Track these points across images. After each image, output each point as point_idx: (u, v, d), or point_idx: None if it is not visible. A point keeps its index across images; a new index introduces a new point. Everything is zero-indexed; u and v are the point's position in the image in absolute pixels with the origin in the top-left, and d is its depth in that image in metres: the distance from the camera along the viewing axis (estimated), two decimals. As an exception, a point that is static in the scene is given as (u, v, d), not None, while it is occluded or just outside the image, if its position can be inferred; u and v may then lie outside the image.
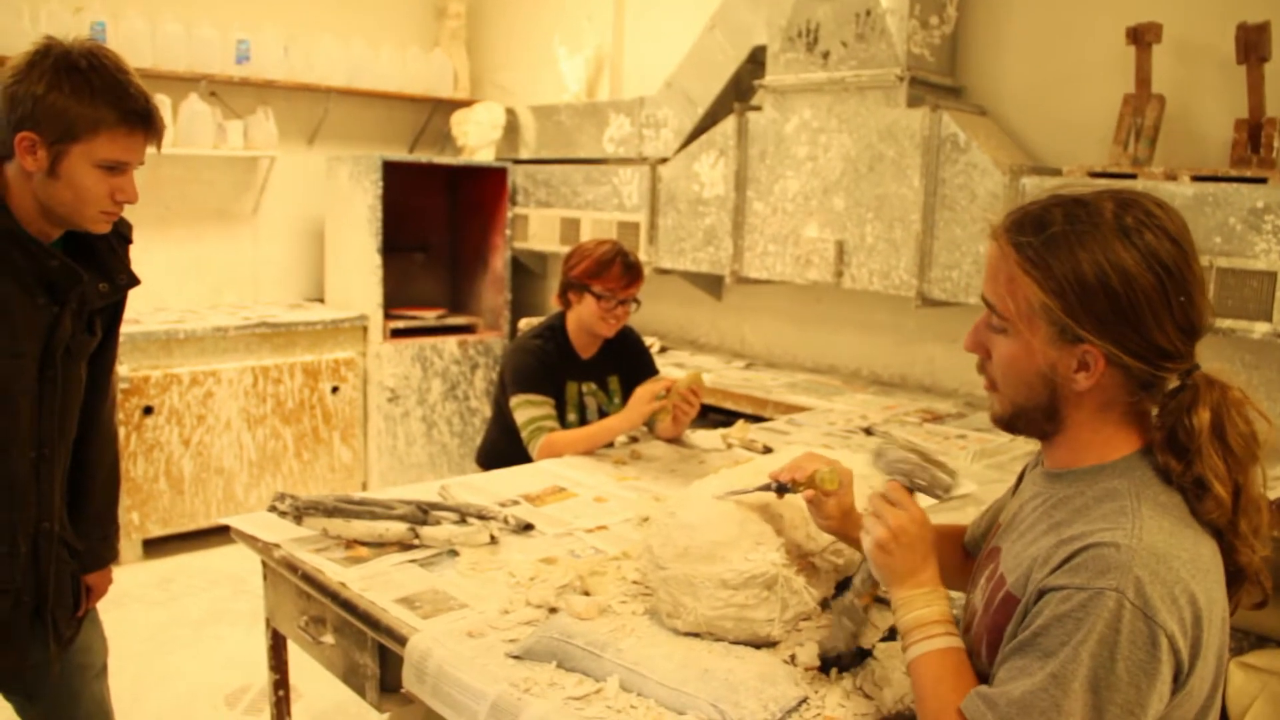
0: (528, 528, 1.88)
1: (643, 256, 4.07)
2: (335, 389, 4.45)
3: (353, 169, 4.57)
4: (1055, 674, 0.96)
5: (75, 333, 1.60)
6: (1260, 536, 1.07)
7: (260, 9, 4.72)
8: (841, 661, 1.36)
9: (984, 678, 1.09)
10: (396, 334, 4.65)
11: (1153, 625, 0.95)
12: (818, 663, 1.35)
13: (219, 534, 3.93)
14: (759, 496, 1.47)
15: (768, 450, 2.55)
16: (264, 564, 1.85)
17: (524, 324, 3.62)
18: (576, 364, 2.72)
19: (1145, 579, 0.96)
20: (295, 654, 1.88)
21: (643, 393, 2.47)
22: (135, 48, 4.15)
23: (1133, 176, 2.78)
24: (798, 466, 1.40)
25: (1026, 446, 2.63)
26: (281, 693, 1.94)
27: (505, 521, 1.86)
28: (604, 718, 1.23)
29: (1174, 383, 1.08)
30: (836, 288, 3.50)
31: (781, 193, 3.61)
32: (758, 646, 1.40)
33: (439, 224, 5.24)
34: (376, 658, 1.58)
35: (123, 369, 3.79)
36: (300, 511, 1.77)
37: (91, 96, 1.45)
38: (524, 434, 2.54)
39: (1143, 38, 2.84)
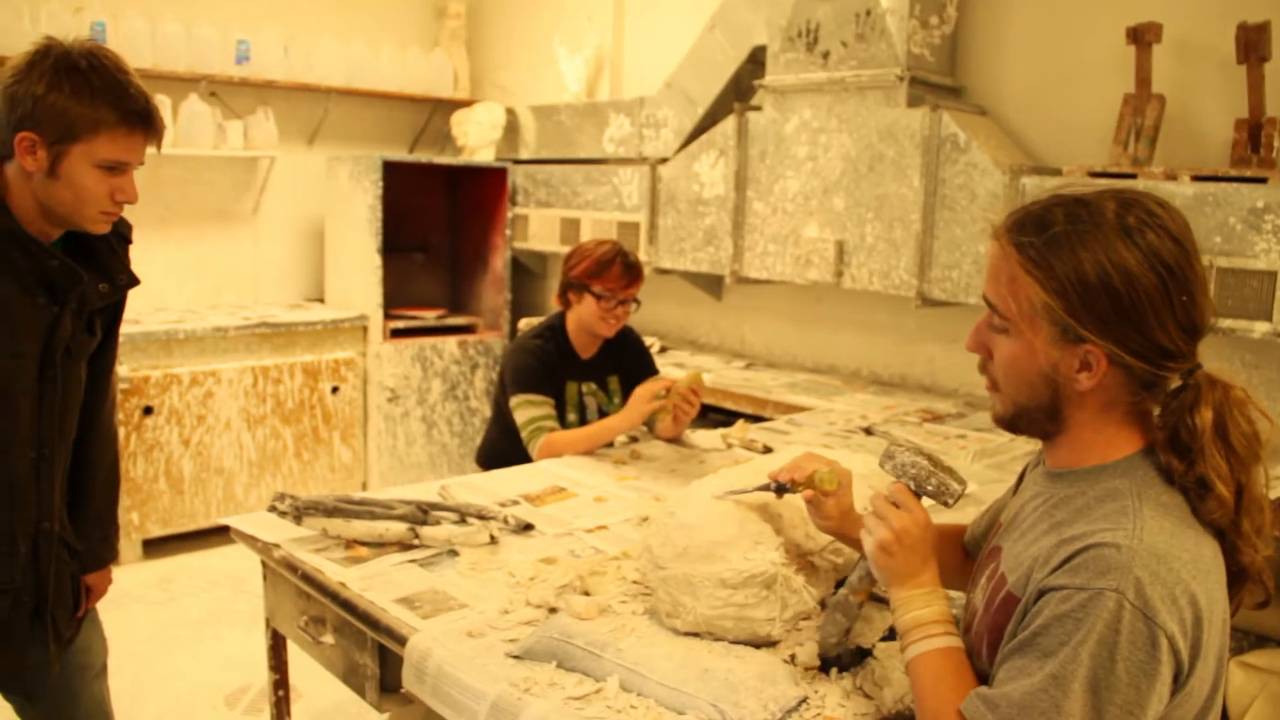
0: (527, 528, 1.88)
1: (643, 256, 4.07)
2: (335, 389, 4.45)
3: (353, 169, 4.57)
4: (1055, 674, 0.96)
5: (75, 333, 1.60)
6: (1263, 536, 1.07)
7: (260, 9, 4.72)
8: (841, 661, 1.36)
9: (984, 677, 1.09)
10: (396, 334, 4.65)
11: (1152, 626, 0.95)
12: (817, 662, 1.36)
13: (219, 534, 3.92)
14: (758, 496, 1.47)
15: (767, 450, 2.54)
16: (264, 564, 1.85)
17: (524, 324, 3.62)
18: (576, 364, 2.72)
19: (1145, 580, 0.95)
20: (295, 654, 1.88)
21: (642, 392, 2.47)
22: (135, 48, 4.15)
23: (1133, 176, 2.78)
24: (797, 466, 1.40)
25: (1026, 446, 2.63)
26: (281, 693, 1.93)
27: (505, 521, 1.86)
28: (604, 717, 1.23)
29: (1176, 382, 1.08)
30: (836, 288, 3.50)
31: (781, 193, 3.61)
32: (757, 646, 1.40)
33: (439, 224, 5.24)
34: (376, 658, 1.58)
35: (123, 369, 3.79)
36: (300, 511, 1.77)
37: (91, 97, 1.45)
38: (524, 434, 2.54)
39: (1143, 37, 2.84)
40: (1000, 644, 1.06)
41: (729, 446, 2.62)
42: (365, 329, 4.56)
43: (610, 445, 2.56)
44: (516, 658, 1.37)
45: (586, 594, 1.56)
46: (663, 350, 4.35)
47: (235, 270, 4.85)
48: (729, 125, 3.74)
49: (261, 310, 4.58)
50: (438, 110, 5.28)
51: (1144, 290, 1.02)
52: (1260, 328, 2.52)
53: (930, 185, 3.17)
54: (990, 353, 1.15)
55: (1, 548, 1.55)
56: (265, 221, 4.91)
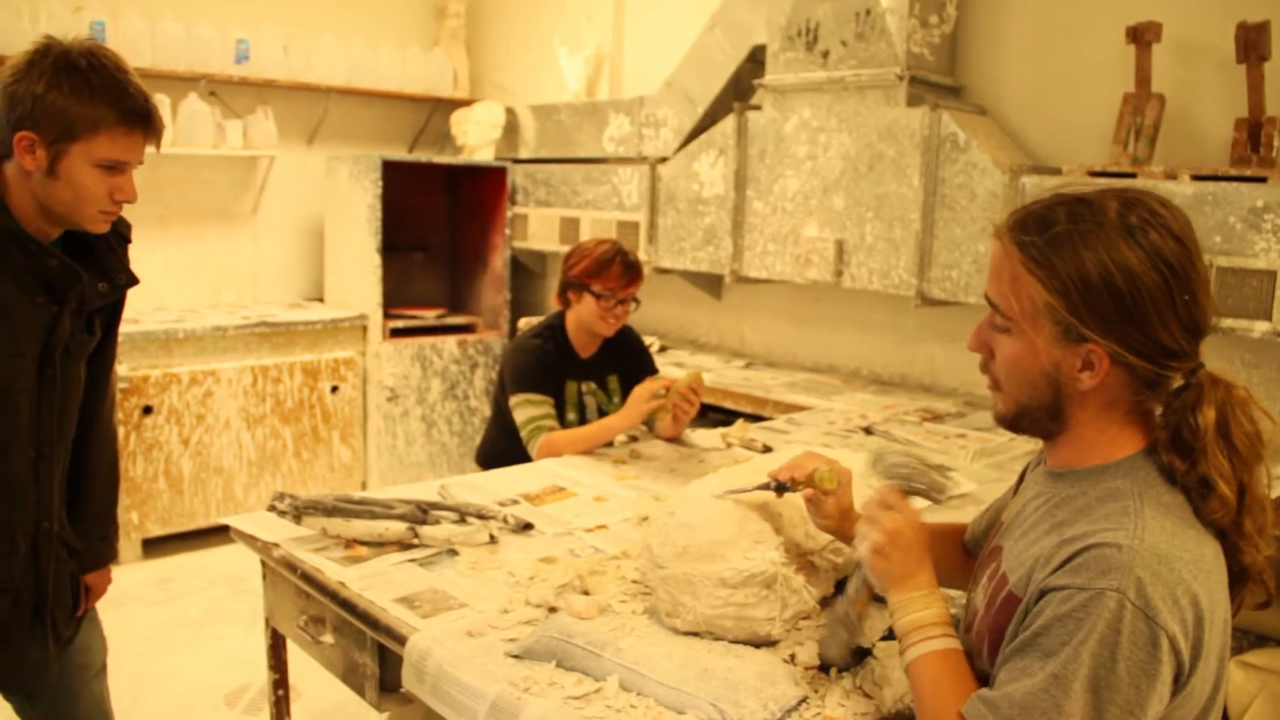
0: (527, 527, 1.88)
1: (642, 256, 4.06)
2: (335, 388, 4.44)
3: (352, 168, 4.56)
4: (1056, 674, 0.96)
5: (74, 332, 1.60)
6: (1264, 536, 1.06)
7: (260, 8, 4.72)
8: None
9: (985, 677, 1.08)
10: (396, 333, 4.65)
11: (1154, 626, 0.94)
12: (817, 662, 1.35)
13: (218, 533, 3.92)
14: (758, 495, 1.46)
15: (767, 449, 2.54)
16: (263, 563, 1.85)
17: (523, 323, 3.62)
18: (576, 363, 2.72)
19: (1147, 580, 0.95)
20: (295, 653, 1.88)
21: (641, 391, 2.47)
22: (135, 47, 4.15)
23: (1132, 176, 2.78)
24: (797, 465, 1.40)
25: (1026, 446, 2.63)
26: (281, 692, 1.93)
27: (505, 521, 1.86)
28: (604, 717, 1.23)
29: (1178, 382, 1.08)
30: (836, 287, 3.50)
31: (781, 192, 3.61)
32: (757, 645, 1.40)
33: (438, 223, 5.24)
34: (376, 657, 1.58)
35: (122, 368, 3.79)
36: (299, 511, 1.77)
37: (91, 96, 1.45)
38: (523, 433, 2.54)
39: (1142, 37, 2.84)
40: (1001, 644, 1.06)
41: (729, 446, 2.62)
42: (365, 328, 4.56)
43: (610, 445, 2.56)
44: (516, 657, 1.37)
45: (586, 593, 1.56)
46: (662, 350, 4.35)
47: (235, 269, 4.85)
48: (729, 124, 3.74)
49: (261, 310, 4.57)
50: (437, 110, 5.27)
51: (1146, 289, 1.02)
52: (1260, 327, 2.52)
53: (930, 185, 3.17)
54: (992, 352, 1.15)
55: (1, 547, 1.55)
56: (265, 221, 4.90)
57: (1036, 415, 1.13)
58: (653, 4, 4.61)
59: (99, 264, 1.62)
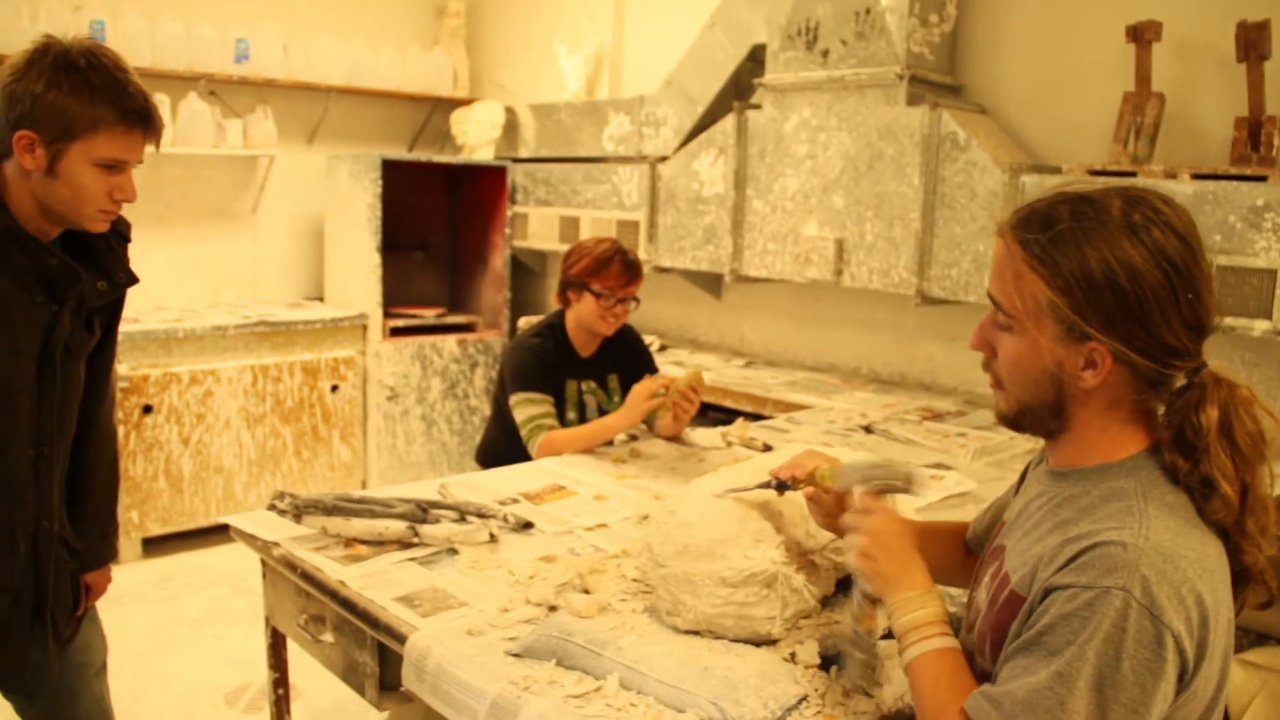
0: (527, 526, 1.88)
1: (642, 255, 4.06)
2: (335, 388, 4.44)
3: (352, 168, 4.56)
4: (1060, 672, 0.96)
5: (74, 331, 1.60)
6: (1267, 536, 1.06)
7: (259, 8, 4.72)
8: (842, 660, 1.36)
9: (987, 676, 1.08)
10: (396, 332, 4.65)
11: (1159, 625, 0.94)
12: (818, 660, 1.35)
13: (218, 533, 3.92)
14: (758, 494, 1.46)
15: (767, 448, 2.54)
16: (263, 562, 1.84)
17: (523, 322, 3.61)
18: (576, 362, 2.72)
19: (1152, 578, 0.95)
20: (295, 652, 1.88)
21: (640, 390, 2.47)
22: (134, 46, 4.15)
23: (1133, 175, 2.78)
24: (797, 464, 1.40)
25: (1027, 444, 2.63)
26: (281, 691, 1.93)
27: (505, 520, 1.86)
28: (604, 716, 1.23)
29: (1181, 381, 1.07)
30: (836, 286, 3.50)
31: (781, 191, 3.60)
32: (758, 644, 1.40)
33: (438, 223, 5.24)
34: (376, 656, 1.58)
35: (122, 368, 3.79)
36: (300, 510, 1.77)
37: (90, 95, 1.45)
38: (523, 432, 2.54)
39: (1143, 36, 2.84)
40: (1004, 643, 1.06)
41: (729, 444, 2.62)
42: (365, 327, 4.55)
43: (610, 443, 2.56)
44: (516, 656, 1.37)
45: (586, 592, 1.56)
46: (662, 349, 4.35)
47: (234, 269, 4.85)
48: (728, 124, 3.74)
49: (261, 309, 4.57)
50: (437, 109, 5.27)
51: (1150, 288, 1.01)
52: (1260, 326, 2.52)
53: (930, 183, 3.17)
54: (994, 350, 1.14)
55: (1, 546, 1.55)
56: (264, 220, 4.90)
57: (1039, 414, 1.12)
58: (653, 3, 4.61)
59: (98, 263, 1.62)
